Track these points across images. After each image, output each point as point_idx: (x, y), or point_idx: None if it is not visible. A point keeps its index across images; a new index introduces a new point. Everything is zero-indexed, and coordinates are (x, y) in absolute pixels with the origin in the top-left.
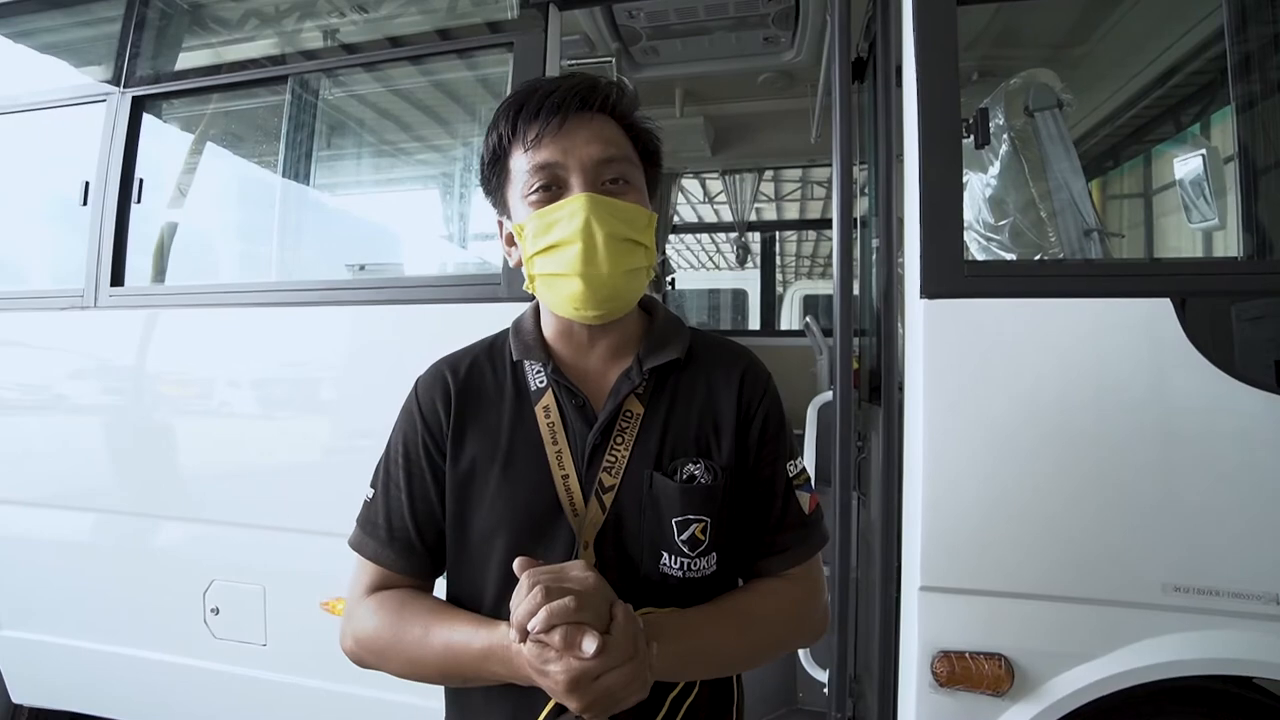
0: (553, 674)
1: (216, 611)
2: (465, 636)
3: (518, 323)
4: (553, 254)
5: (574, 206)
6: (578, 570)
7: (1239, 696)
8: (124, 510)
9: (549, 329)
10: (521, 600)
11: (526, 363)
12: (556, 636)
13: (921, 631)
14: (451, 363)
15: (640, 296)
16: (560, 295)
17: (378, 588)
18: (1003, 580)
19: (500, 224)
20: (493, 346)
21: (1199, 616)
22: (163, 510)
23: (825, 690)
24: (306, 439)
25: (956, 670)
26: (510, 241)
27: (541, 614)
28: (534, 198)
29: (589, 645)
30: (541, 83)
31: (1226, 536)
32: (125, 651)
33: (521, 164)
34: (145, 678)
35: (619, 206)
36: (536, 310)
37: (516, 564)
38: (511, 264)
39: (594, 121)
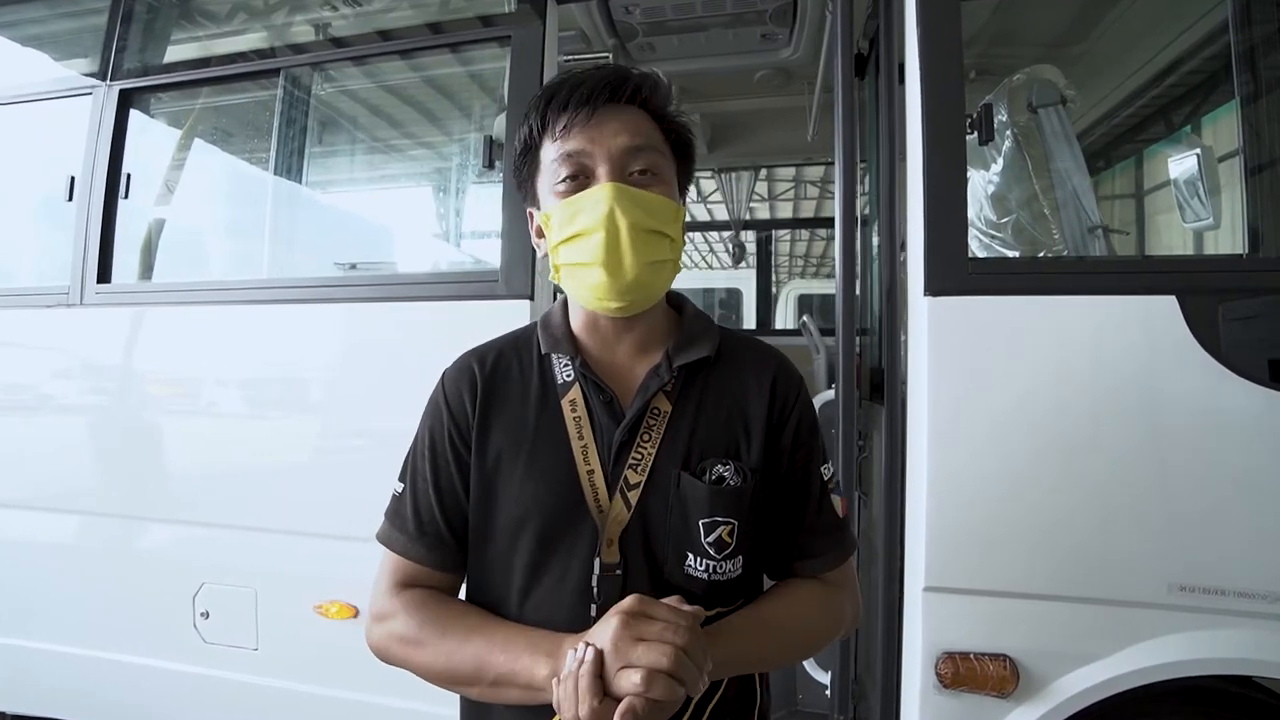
0: None
1: (206, 615)
2: (521, 652)
3: (546, 316)
4: (576, 243)
5: (598, 195)
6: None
7: (1241, 696)
8: (111, 512)
9: (576, 322)
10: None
11: (554, 356)
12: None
13: (925, 632)
14: (479, 355)
15: (666, 289)
16: (583, 285)
17: (406, 583)
18: (1008, 580)
19: (530, 215)
20: (520, 339)
21: (1204, 616)
22: (151, 512)
23: (827, 692)
24: (299, 439)
25: (961, 671)
26: (540, 234)
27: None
28: (561, 187)
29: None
30: (573, 75)
31: (1233, 536)
32: (112, 657)
33: (550, 154)
34: (133, 683)
35: (644, 197)
36: (565, 304)
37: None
38: (540, 255)
39: (624, 113)
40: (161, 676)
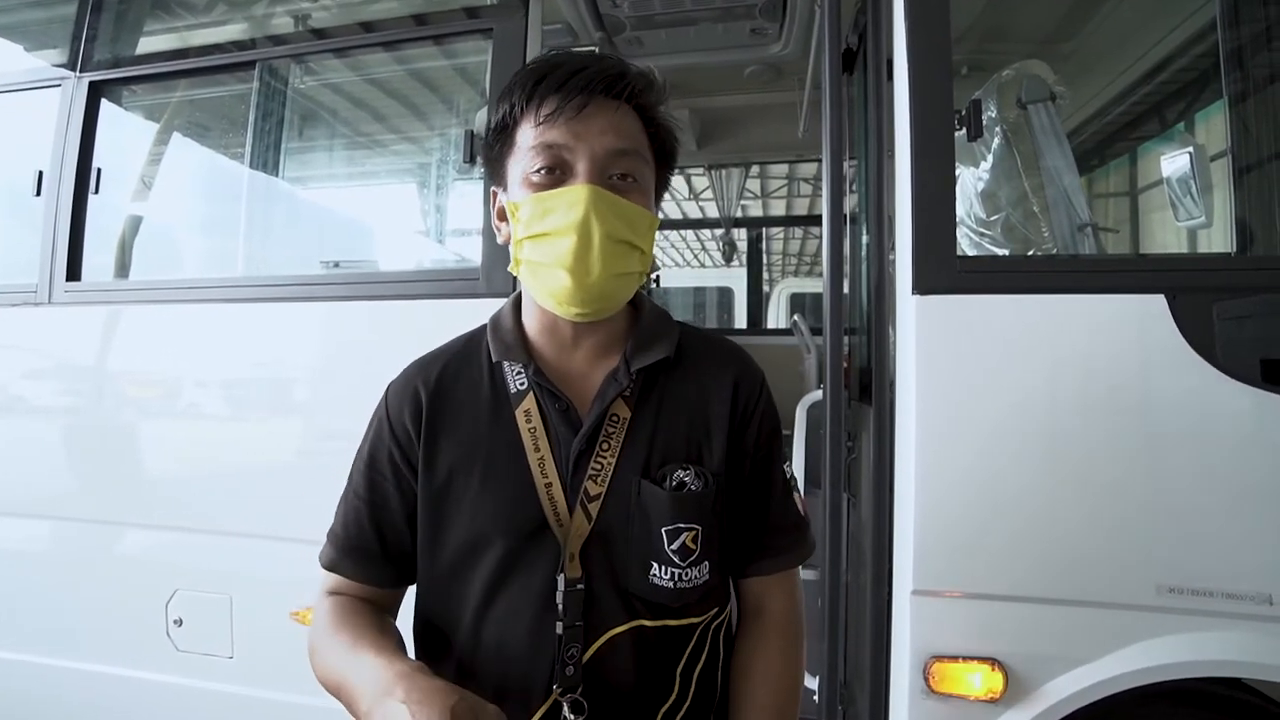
0: None
1: (180, 623)
2: (371, 654)
3: (496, 320)
4: (544, 242)
5: (574, 197)
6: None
7: (1229, 698)
8: (80, 517)
9: (531, 325)
10: None
11: (506, 364)
12: None
13: (914, 636)
14: (423, 368)
15: (628, 299)
16: (545, 287)
17: (334, 592)
18: (997, 583)
19: (494, 194)
20: (468, 345)
21: (1193, 618)
22: (121, 517)
23: (814, 698)
24: (276, 441)
25: (950, 675)
26: (502, 216)
27: None
28: (535, 178)
29: None
30: (567, 57)
31: (1220, 537)
32: (80, 666)
33: (529, 138)
34: (102, 693)
35: (621, 205)
36: (516, 305)
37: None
38: (500, 240)
39: (616, 111)
40: (133, 686)
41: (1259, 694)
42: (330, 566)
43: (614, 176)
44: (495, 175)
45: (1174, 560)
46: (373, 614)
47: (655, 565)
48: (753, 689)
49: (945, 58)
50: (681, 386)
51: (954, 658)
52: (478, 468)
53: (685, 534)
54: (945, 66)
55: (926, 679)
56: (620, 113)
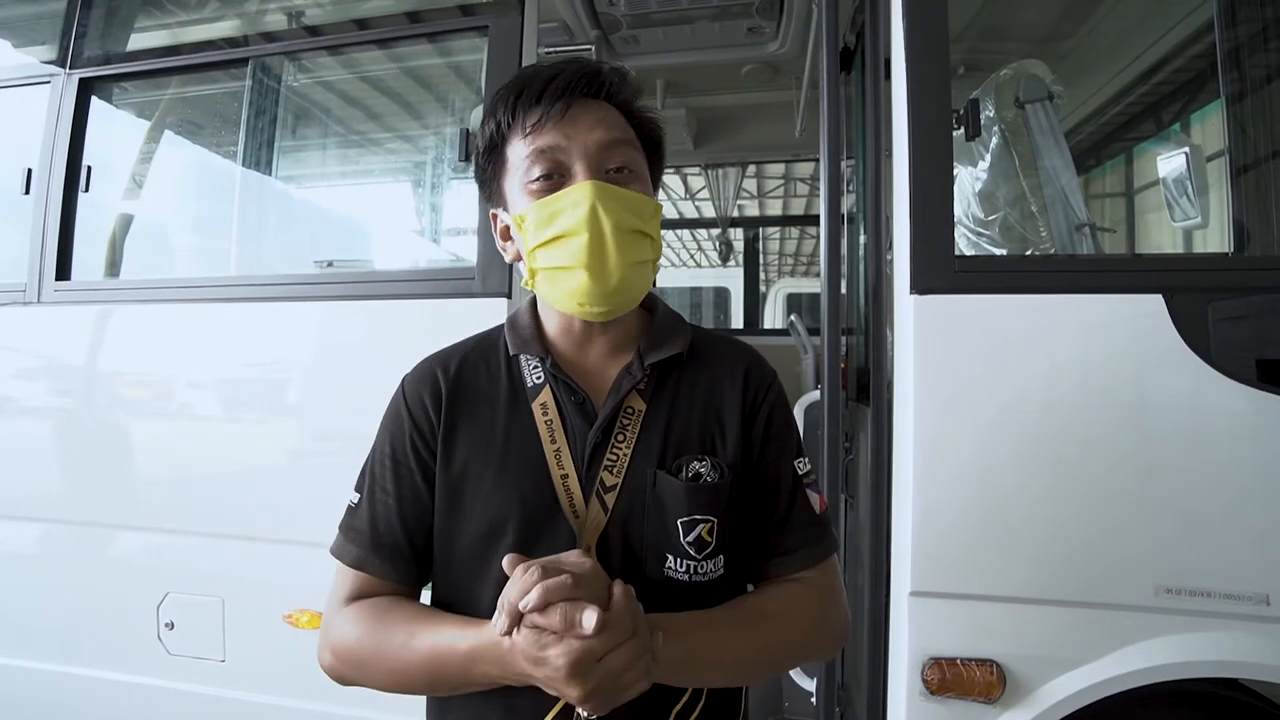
0: (551, 659)
1: (171, 626)
2: (451, 638)
3: (513, 317)
4: (556, 246)
5: (578, 195)
6: (573, 556)
7: (1227, 699)
8: (70, 519)
9: (549, 324)
10: (514, 586)
11: (523, 357)
12: (555, 617)
13: (912, 638)
14: (441, 359)
15: (647, 291)
16: (564, 290)
17: (358, 596)
18: (995, 584)
19: (494, 217)
20: (485, 342)
21: (1190, 619)
22: (112, 519)
23: (813, 699)
24: (268, 441)
25: (948, 677)
26: (506, 235)
27: (536, 590)
28: (535, 186)
29: (589, 619)
30: (541, 69)
31: (1219, 537)
32: (71, 670)
33: (520, 151)
34: (93, 698)
35: (625, 195)
36: (533, 305)
37: (506, 561)
38: (508, 259)
39: (598, 108)
40: (124, 690)
41: (1256, 695)
42: (358, 565)
43: (610, 170)
44: (492, 196)
45: (1172, 561)
46: (416, 604)
47: (670, 558)
48: (742, 597)
49: (943, 57)
50: (694, 380)
51: (952, 659)
52: (494, 460)
53: (701, 525)
54: (943, 65)
55: (925, 680)
56: (604, 109)
